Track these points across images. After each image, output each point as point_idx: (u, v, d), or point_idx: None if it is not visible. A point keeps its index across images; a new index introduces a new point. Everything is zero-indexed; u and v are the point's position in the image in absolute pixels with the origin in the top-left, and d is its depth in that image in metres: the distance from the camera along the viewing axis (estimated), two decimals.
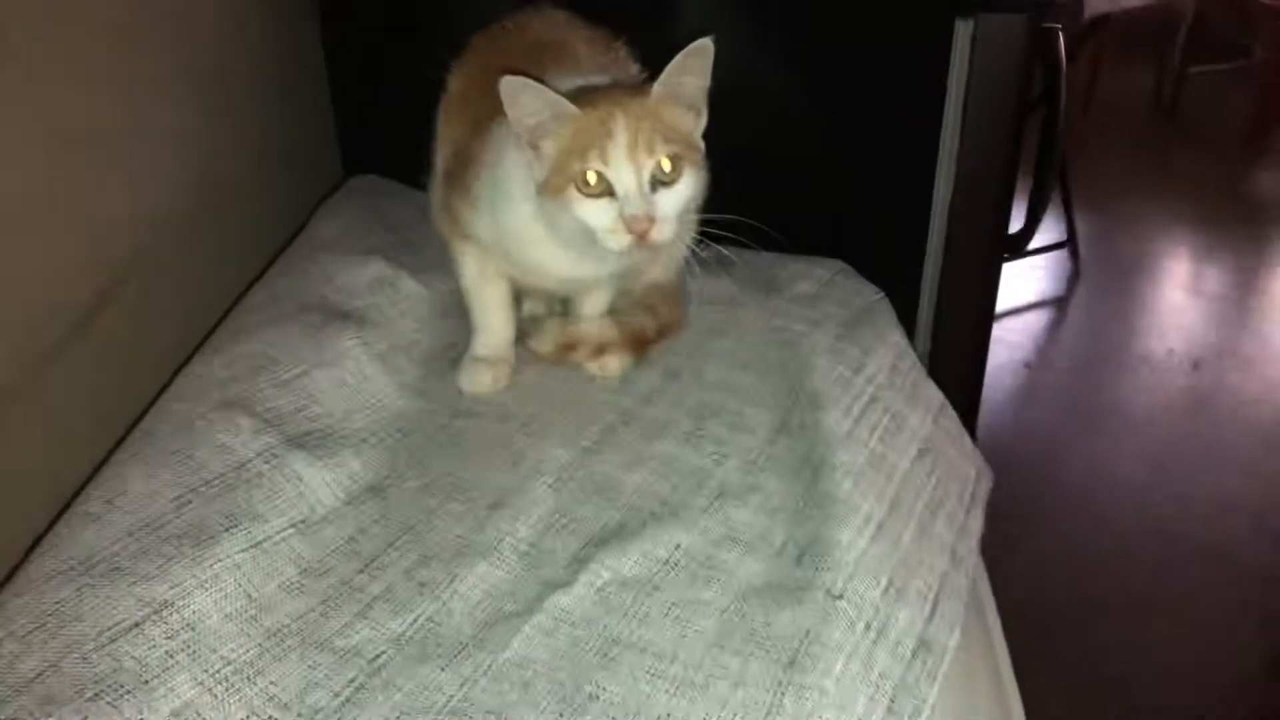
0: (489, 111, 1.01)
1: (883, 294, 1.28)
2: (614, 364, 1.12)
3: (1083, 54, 3.30)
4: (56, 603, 0.79)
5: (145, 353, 1.23)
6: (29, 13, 1.00)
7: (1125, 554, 1.97)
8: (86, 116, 1.12)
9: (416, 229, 1.29)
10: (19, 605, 0.79)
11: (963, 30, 1.29)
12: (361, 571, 0.88)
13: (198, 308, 1.31)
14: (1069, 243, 2.97)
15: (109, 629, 0.77)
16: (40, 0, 1.02)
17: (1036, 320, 2.81)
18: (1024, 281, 2.90)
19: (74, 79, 1.09)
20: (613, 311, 1.16)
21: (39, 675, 0.74)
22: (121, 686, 0.74)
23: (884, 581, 0.88)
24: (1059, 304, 2.88)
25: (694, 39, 0.92)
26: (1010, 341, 2.64)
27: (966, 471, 1.13)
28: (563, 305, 1.19)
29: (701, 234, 1.01)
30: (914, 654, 0.84)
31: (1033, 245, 1.84)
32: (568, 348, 1.13)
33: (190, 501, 0.89)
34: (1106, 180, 3.49)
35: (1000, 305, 1.58)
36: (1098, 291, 2.93)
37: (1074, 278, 2.96)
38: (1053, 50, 1.48)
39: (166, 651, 0.77)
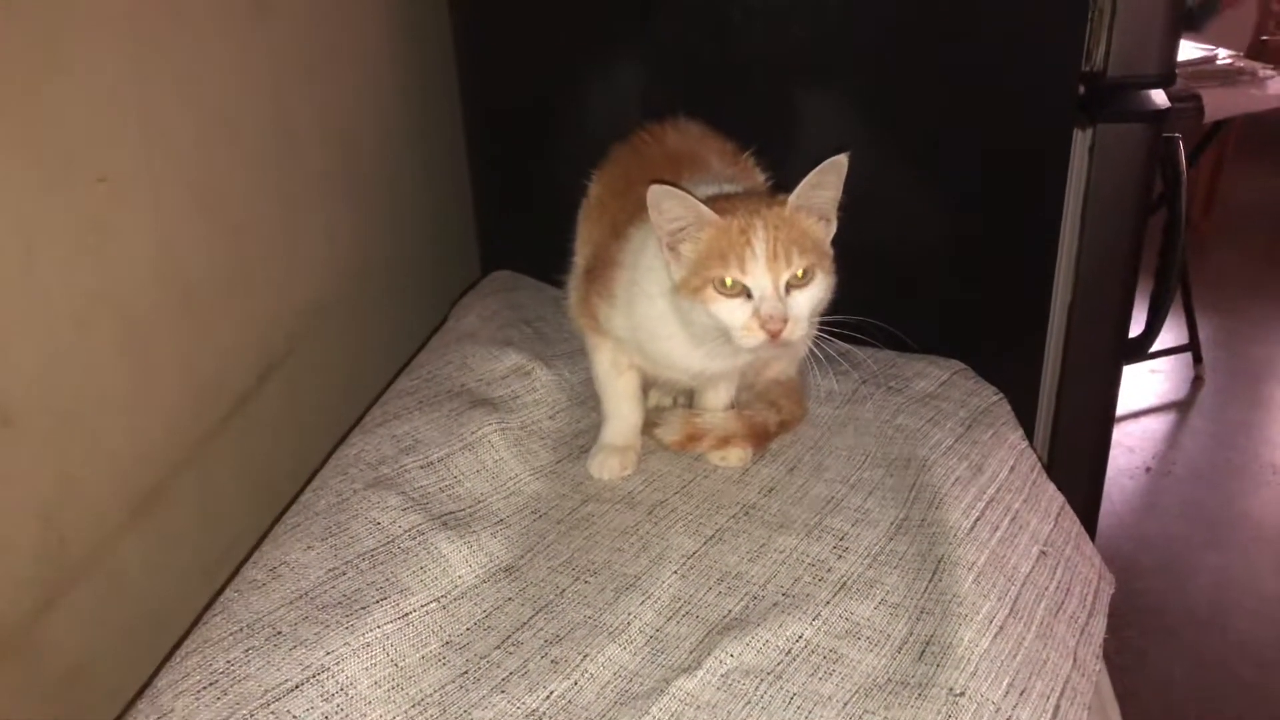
0: (628, 215, 1.08)
1: (1001, 395, 1.30)
2: (736, 455, 1.16)
3: (1204, 157, 3.26)
4: (228, 663, 0.86)
5: (298, 431, 1.32)
6: (203, 121, 1.13)
7: (1265, 675, 1.88)
8: (255, 212, 1.23)
9: (549, 322, 1.37)
10: (194, 663, 0.86)
11: (1081, 139, 1.33)
12: (498, 647, 0.92)
13: (346, 391, 1.41)
14: (1191, 346, 2.91)
15: (272, 689, 0.84)
16: (213, 110, 1.14)
17: (1157, 425, 2.74)
18: (1144, 385, 2.84)
19: (243, 178, 1.20)
20: (736, 405, 1.20)
21: None
22: None
23: (1006, 682, 0.88)
24: (1180, 409, 2.81)
25: (812, 150, 0.97)
26: (1129, 446, 2.58)
27: (1088, 575, 1.12)
28: (687, 397, 1.24)
29: (824, 331, 1.05)
30: None
31: (1154, 349, 1.82)
32: (693, 438, 1.17)
33: (345, 573, 0.96)
34: (1231, 284, 3.41)
35: (1119, 409, 1.57)
36: (1222, 397, 2.85)
37: (1196, 382, 2.89)
38: (1173, 158, 1.50)
39: (323, 714, 0.83)
